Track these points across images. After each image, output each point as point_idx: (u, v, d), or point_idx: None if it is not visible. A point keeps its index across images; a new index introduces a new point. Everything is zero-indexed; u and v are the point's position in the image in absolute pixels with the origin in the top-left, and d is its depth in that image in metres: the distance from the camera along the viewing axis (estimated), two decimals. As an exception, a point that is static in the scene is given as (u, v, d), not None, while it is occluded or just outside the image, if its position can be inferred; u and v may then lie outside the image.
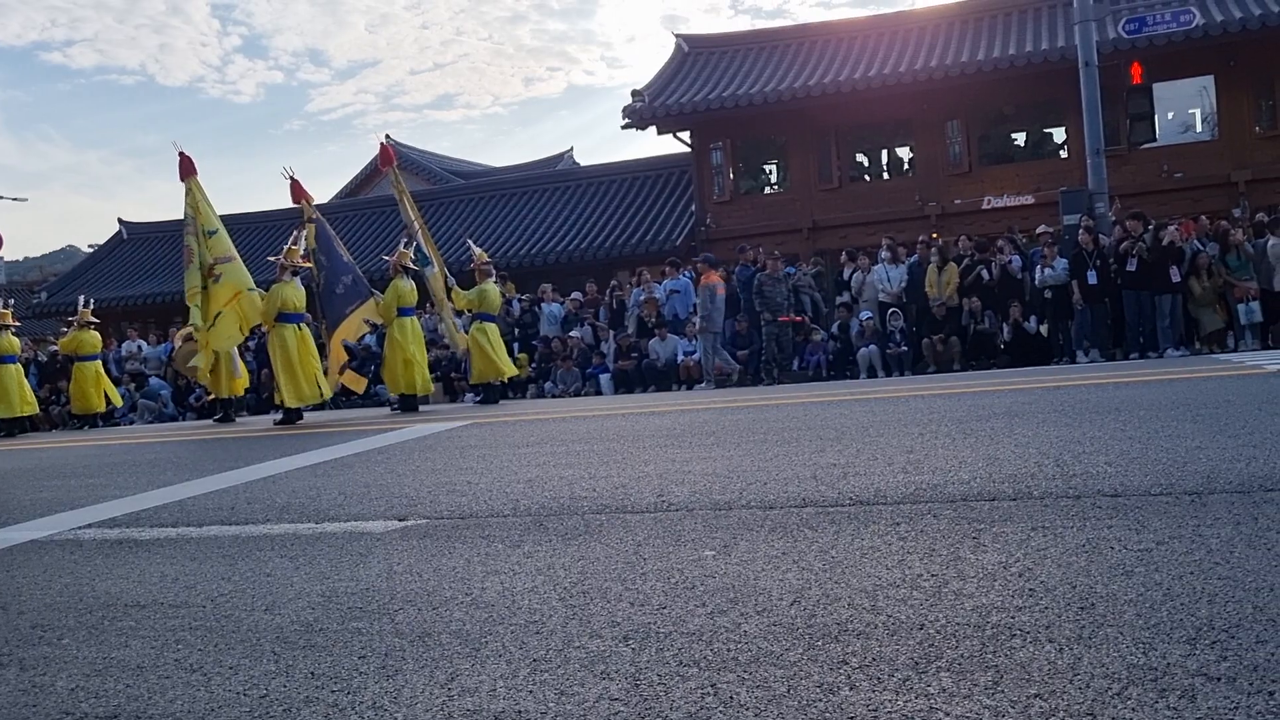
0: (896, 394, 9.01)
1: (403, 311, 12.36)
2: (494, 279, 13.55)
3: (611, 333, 17.40)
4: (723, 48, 25.17)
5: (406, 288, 12.48)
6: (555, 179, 29.36)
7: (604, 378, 16.85)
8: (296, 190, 12.41)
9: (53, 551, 4.46)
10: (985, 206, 21.48)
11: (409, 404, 12.35)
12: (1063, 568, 2.76)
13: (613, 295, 18.08)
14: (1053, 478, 4.05)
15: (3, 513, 5.76)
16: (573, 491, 4.76)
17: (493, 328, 13.25)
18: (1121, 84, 17.12)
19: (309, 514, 4.78)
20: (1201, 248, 14.17)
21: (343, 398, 15.47)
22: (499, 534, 3.94)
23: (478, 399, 13.44)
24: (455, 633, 2.72)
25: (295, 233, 12.33)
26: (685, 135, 24.04)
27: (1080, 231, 14.56)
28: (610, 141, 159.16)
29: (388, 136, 36.63)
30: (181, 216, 13.22)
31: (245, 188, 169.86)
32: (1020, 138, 23.29)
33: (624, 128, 23.26)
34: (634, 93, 23.21)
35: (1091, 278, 14.22)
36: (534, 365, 17.55)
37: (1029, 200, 20.92)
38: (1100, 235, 14.55)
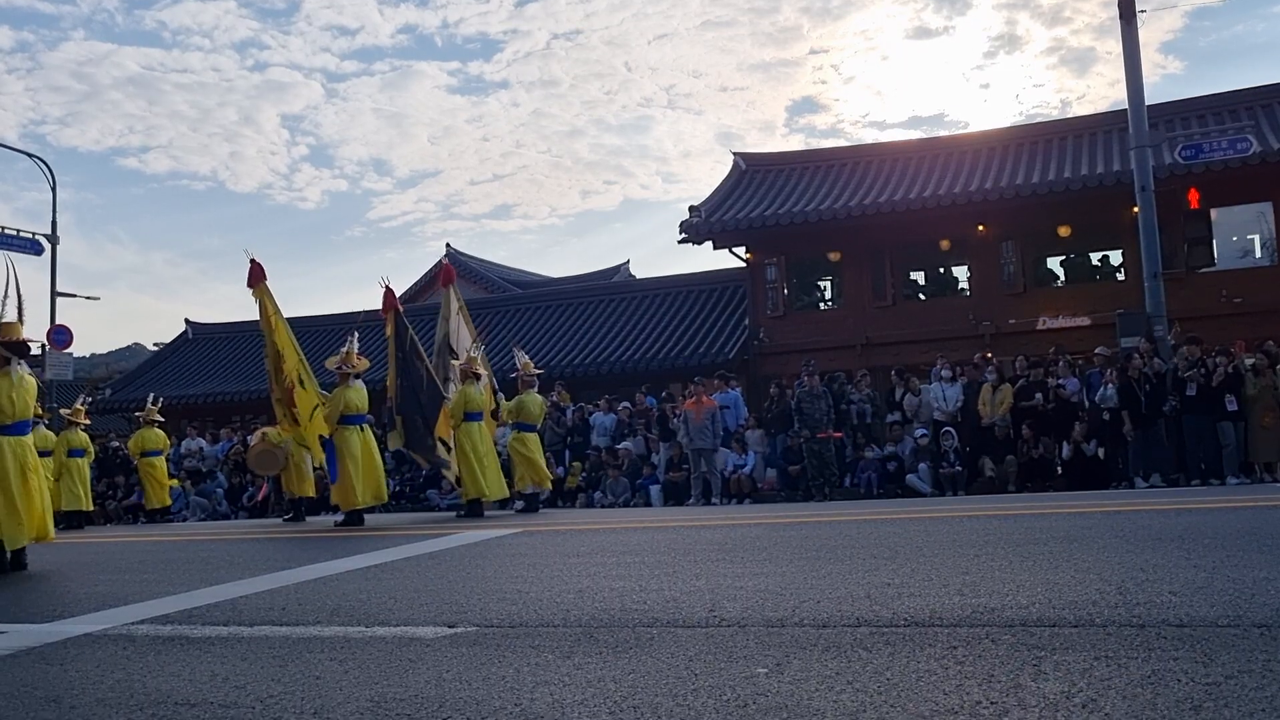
0: (951, 514, 8.87)
1: (470, 416, 12.53)
2: (535, 389, 13.66)
3: (662, 445, 17.38)
4: (779, 166, 25.60)
5: (475, 393, 12.65)
6: (611, 290, 29.74)
7: (654, 489, 16.79)
8: (389, 300, 12.58)
9: (106, 646, 4.49)
10: (1040, 327, 21.36)
11: (475, 509, 12.38)
12: (1128, 699, 2.69)
13: (664, 407, 18.11)
14: (1115, 605, 3.96)
15: (59, 606, 5.83)
16: (623, 603, 4.72)
17: (532, 437, 13.33)
18: (1179, 208, 17.10)
19: (359, 617, 4.78)
20: (1247, 369, 13.94)
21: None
22: (549, 644, 3.91)
23: (523, 508, 13.44)
24: (504, 743, 2.69)
25: (350, 336, 12.53)
26: (740, 250, 24.32)
27: (1135, 355, 14.41)
28: (662, 254, 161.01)
29: (449, 246, 37.50)
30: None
31: (307, 291, 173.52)
32: (1076, 260, 23.27)
33: (680, 242, 23.59)
34: (691, 208, 23.60)
35: (1143, 404, 14.03)
36: (585, 475, 17.54)
37: (1085, 322, 20.79)
38: (1157, 360, 14.39)
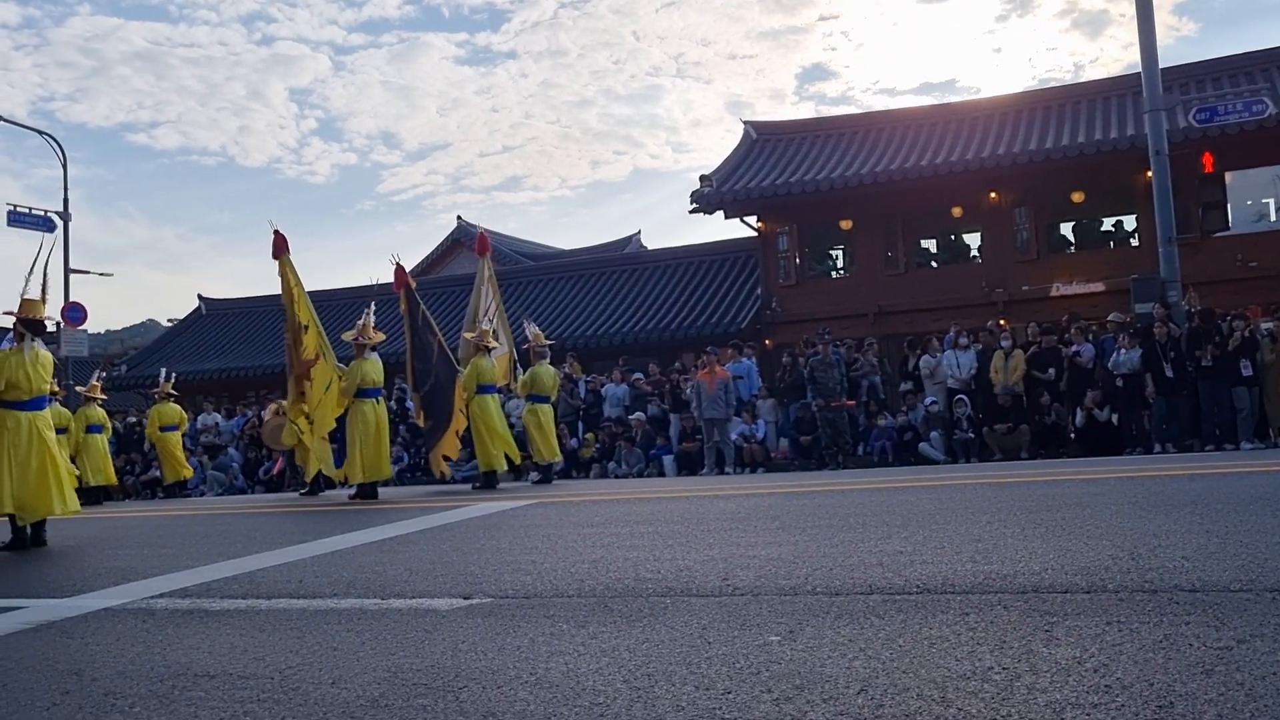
0: (963, 481, 8.88)
1: (482, 389, 12.57)
2: (548, 360, 13.69)
3: (674, 415, 17.41)
4: (790, 134, 25.46)
5: (487, 365, 12.69)
6: (623, 261, 29.71)
7: (667, 459, 16.83)
8: (399, 276, 12.61)
9: (126, 620, 4.54)
10: (1054, 294, 21.26)
11: (490, 481, 12.44)
12: (1139, 664, 2.70)
13: (676, 376, 18.12)
14: (1127, 571, 3.97)
15: (79, 580, 5.90)
16: (637, 573, 4.75)
17: (545, 409, 13.38)
18: (1193, 172, 16.96)
19: (375, 589, 4.83)
20: (1265, 335, 13.87)
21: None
22: (564, 614, 3.94)
23: (538, 479, 13.50)
24: (519, 713, 2.72)
25: (367, 309, 12.57)
26: (752, 219, 24.24)
27: (1155, 324, 14.34)
28: (672, 224, 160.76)
29: (459, 218, 37.42)
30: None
31: (317, 264, 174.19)
32: (1089, 225, 23.12)
33: (692, 212, 23.50)
34: (702, 178, 23.51)
35: (1168, 370, 13.98)
36: (599, 446, 17.59)
37: (1099, 288, 20.68)
38: (1172, 326, 14.32)
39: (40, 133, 25.57)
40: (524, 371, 13.65)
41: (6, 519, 8.10)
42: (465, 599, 4.40)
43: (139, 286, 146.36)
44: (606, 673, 3.03)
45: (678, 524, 6.80)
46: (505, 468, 12.84)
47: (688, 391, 16.93)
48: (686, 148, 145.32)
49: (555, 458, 13.71)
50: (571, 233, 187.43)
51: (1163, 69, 16.66)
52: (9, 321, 8.36)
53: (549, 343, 14.16)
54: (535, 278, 29.24)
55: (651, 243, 38.36)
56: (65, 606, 4.95)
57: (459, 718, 2.72)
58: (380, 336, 12.37)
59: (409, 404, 12.86)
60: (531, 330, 13.92)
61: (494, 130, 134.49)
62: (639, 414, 17.73)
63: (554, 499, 9.72)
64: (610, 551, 5.56)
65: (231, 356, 29.68)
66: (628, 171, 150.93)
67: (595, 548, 5.77)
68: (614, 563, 5.13)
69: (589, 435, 17.92)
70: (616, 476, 16.60)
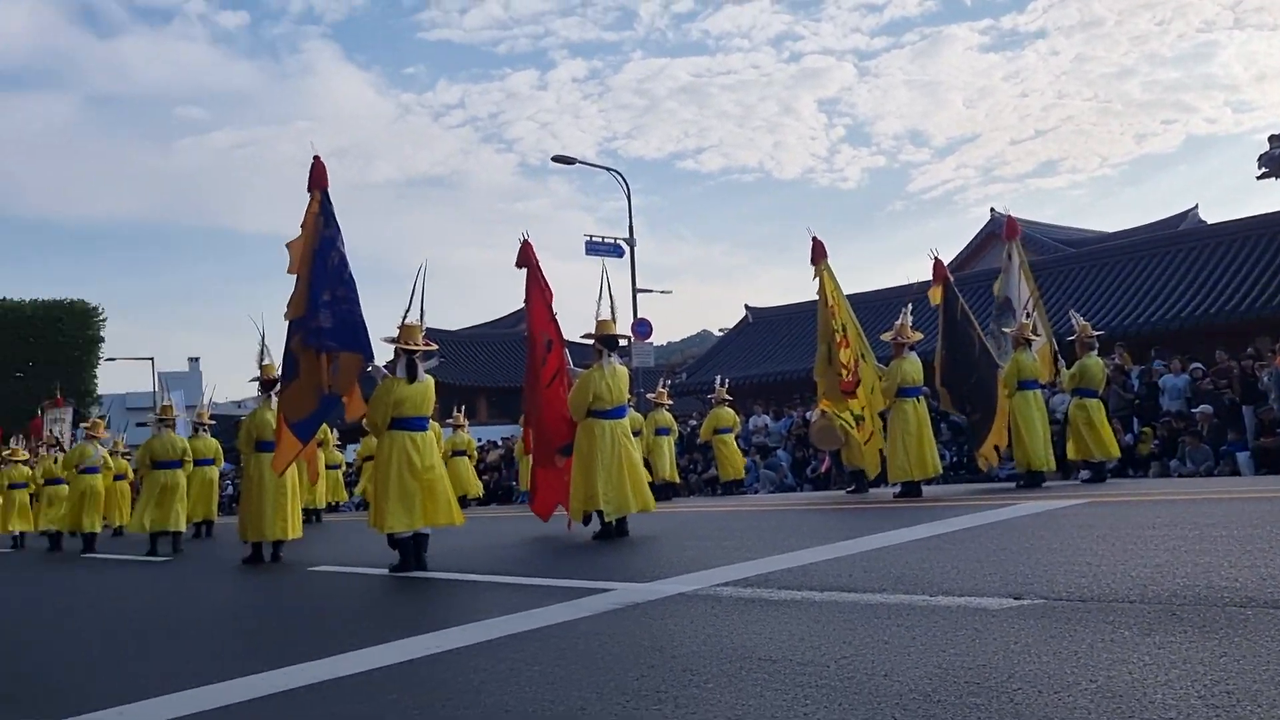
0: None
1: (1023, 385, 12.13)
2: (1095, 351, 12.77)
3: (1248, 407, 15.47)
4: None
5: (1028, 360, 12.24)
6: (1176, 240, 26.96)
7: (1241, 456, 15.01)
8: (938, 270, 12.48)
9: (696, 604, 5.00)
10: None
11: (1035, 480, 11.97)
12: None
13: (1250, 363, 16.09)
14: None
15: (655, 568, 6.58)
16: (1209, 580, 4.33)
17: (1094, 403, 12.49)
18: None
19: (922, 586, 4.86)
20: None
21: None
22: (1124, 620, 3.71)
23: (1089, 478, 12.67)
24: None
25: (904, 309, 12.60)
26: (1340, 178, 20.92)
27: None
28: (1235, 194, 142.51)
29: (992, 210, 36.34)
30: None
31: (851, 267, 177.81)
32: None
33: (1260, 178, 20.81)
34: (1272, 138, 20.74)
35: None
36: (1157, 442, 16.15)
37: None
38: None
39: (608, 169, 28.88)
40: (1065, 364, 12.90)
41: (595, 515, 9.22)
42: (1016, 599, 4.29)
43: (693, 300, 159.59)
44: (1178, 686, 2.82)
45: (1257, 527, 6.08)
46: (1050, 467, 12.22)
47: (1264, 380, 14.97)
48: (1249, 106, 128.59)
49: (1110, 455, 12.80)
50: (1116, 214, 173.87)
51: None
52: (588, 341, 9.54)
53: (1097, 333, 13.26)
54: (1077, 265, 27.50)
55: (1211, 216, 34.40)
56: (645, 590, 5.55)
57: (1013, 719, 2.68)
58: (918, 336, 12.34)
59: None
60: (1078, 320, 13.13)
61: (1024, 115, 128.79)
62: (1205, 406, 16.00)
63: (1108, 499, 9.10)
64: (1176, 555, 5.12)
65: (777, 361, 31.26)
66: (1179, 141, 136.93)
67: (1159, 551, 5.34)
68: (1181, 568, 4.72)
69: (1145, 430, 16.50)
70: (1180, 475, 15.12)
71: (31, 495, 18.46)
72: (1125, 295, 24.65)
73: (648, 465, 13.33)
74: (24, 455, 19.48)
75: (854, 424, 12.49)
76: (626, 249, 27.41)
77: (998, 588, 4.62)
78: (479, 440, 23.12)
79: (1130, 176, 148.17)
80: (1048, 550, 5.78)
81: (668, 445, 17.65)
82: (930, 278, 12.65)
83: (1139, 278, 25.13)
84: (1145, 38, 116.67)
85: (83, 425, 17.20)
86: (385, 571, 7.79)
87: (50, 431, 20.77)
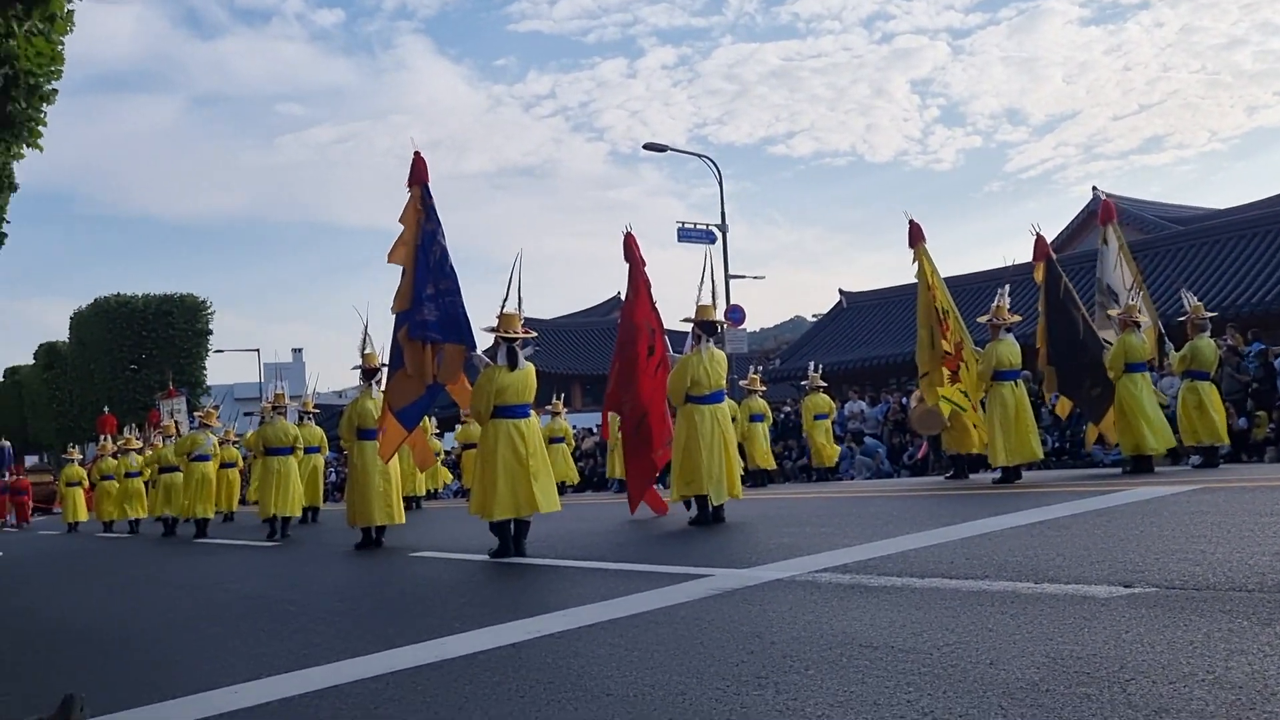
0: None
1: (1131, 367, 11.79)
2: (1208, 333, 12.32)
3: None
4: None
5: (1136, 342, 11.89)
6: (1294, 214, 25.90)
7: (1368, 440, 14.37)
8: (1040, 247, 12.23)
9: (795, 590, 4.98)
10: None
11: (1143, 465, 11.65)
12: None
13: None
14: None
15: (752, 554, 6.57)
16: (1333, 569, 4.17)
17: (1205, 386, 12.05)
18: None
19: (1027, 573, 4.77)
20: None
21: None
22: (1241, 609, 3.59)
23: (1199, 463, 12.25)
24: (1196, 712, 2.55)
25: (1001, 291, 12.34)
26: None
27: None
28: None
29: (1094, 189, 35.30)
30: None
31: (949, 250, 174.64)
32: None
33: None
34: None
35: None
36: (1273, 426, 15.54)
37: None
38: None
39: (699, 155, 28.75)
40: (1173, 347, 12.49)
41: (695, 500, 9.25)
42: (1126, 587, 4.18)
43: (786, 286, 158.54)
44: (1300, 678, 2.72)
45: (1386, 515, 5.82)
46: (1160, 450, 11.85)
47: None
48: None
49: (1220, 439, 12.37)
50: (1226, 190, 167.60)
51: None
52: (687, 327, 9.56)
53: (1210, 314, 12.80)
54: (1185, 243, 26.58)
55: (1338, 189, 32.91)
56: (744, 576, 5.54)
57: (1127, 711, 2.61)
58: (1015, 318, 12.08)
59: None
60: (1190, 300, 12.68)
61: (1127, 90, 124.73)
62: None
63: (1221, 484, 8.79)
64: (1297, 543, 4.93)
65: (872, 346, 30.87)
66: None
67: (1277, 538, 5.15)
68: (1303, 556, 4.54)
69: (1260, 414, 15.89)
70: (1302, 460, 14.53)
71: (147, 483, 19.19)
72: (1238, 273, 23.76)
73: (742, 451, 13.30)
74: (137, 444, 20.27)
75: (968, 405, 12.28)
76: (719, 235, 27.29)
77: (1107, 575, 4.50)
78: (574, 427, 23.31)
79: (1241, 151, 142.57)
80: (1159, 537, 5.61)
81: (762, 431, 17.58)
82: (1031, 256, 12.35)
83: (1252, 255, 24.20)
84: (1256, 5, 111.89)
85: (196, 414, 17.81)
86: (485, 557, 7.92)
87: (171, 419, 21.55)
